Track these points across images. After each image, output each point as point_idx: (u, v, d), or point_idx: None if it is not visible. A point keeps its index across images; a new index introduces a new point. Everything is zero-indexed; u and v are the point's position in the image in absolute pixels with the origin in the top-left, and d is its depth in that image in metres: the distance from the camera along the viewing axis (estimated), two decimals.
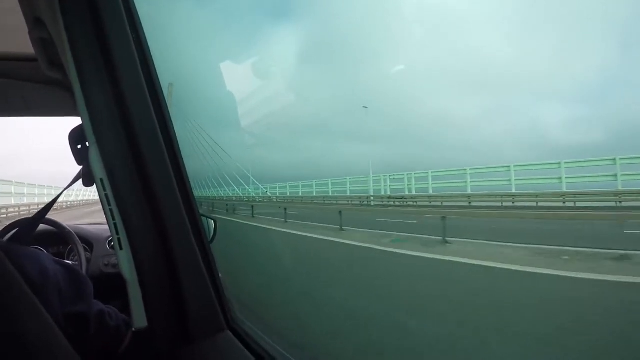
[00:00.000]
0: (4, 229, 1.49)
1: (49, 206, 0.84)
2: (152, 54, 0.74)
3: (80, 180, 0.70)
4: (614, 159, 15.04)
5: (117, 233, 0.59)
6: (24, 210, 17.38)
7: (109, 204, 0.59)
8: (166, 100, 0.67)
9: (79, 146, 0.66)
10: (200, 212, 1.09)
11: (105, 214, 0.60)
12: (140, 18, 0.74)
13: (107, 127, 0.60)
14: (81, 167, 0.68)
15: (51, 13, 0.64)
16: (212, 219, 1.11)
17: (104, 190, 0.59)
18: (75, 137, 0.66)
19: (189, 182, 0.67)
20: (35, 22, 0.74)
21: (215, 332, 0.64)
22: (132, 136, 0.60)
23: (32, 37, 0.77)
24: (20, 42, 0.90)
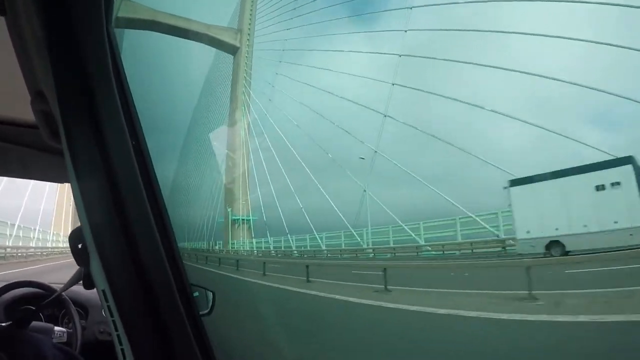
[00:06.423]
0: (3, 287, 1.53)
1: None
2: (147, 142, 0.74)
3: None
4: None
5: (121, 344, 0.58)
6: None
7: (112, 315, 0.57)
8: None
9: (79, 245, 0.66)
10: (201, 285, 1.08)
11: (108, 324, 0.59)
12: (135, 101, 0.74)
13: (106, 233, 0.60)
14: (81, 267, 0.68)
15: (50, 87, 0.66)
16: (210, 290, 1.09)
17: (107, 301, 0.57)
18: (75, 237, 0.67)
19: (189, 282, 0.67)
20: (36, 94, 0.77)
21: None
22: (132, 243, 0.60)
23: (34, 108, 0.79)
24: (23, 109, 0.92)
